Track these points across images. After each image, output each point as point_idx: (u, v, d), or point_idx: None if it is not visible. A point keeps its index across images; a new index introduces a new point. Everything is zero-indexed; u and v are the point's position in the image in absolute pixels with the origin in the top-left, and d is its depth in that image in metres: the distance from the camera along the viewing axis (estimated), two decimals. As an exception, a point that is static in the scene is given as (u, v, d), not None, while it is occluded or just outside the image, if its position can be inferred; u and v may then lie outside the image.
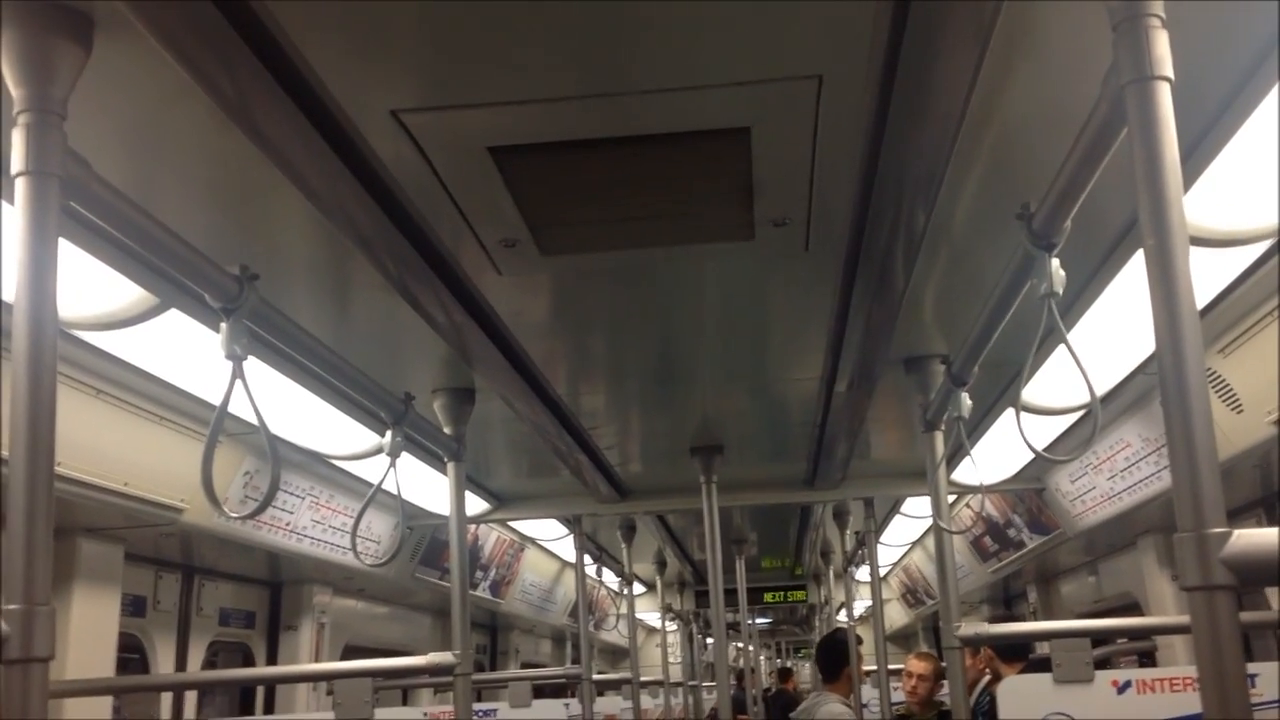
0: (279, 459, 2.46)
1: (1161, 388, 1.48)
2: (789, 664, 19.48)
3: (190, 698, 5.45)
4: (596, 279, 3.14)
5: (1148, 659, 6.36)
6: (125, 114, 2.12)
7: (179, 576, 5.41)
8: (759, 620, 16.51)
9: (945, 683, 5.22)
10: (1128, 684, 3.33)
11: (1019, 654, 5.68)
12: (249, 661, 6.22)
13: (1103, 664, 6.11)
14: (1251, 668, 3.60)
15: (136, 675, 4.99)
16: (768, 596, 13.04)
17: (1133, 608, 6.53)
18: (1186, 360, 1.46)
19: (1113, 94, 1.64)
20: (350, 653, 7.05)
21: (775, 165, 2.38)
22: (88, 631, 4.26)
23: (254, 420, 2.38)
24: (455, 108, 2.11)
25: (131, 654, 5.09)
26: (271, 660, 6.29)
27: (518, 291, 3.14)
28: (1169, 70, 1.55)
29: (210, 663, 5.79)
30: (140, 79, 1.98)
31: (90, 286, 2.69)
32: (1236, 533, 1.42)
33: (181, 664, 5.41)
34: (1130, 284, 2.97)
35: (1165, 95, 1.54)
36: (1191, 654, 4.98)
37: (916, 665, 6.83)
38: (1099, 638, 5.29)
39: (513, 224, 2.60)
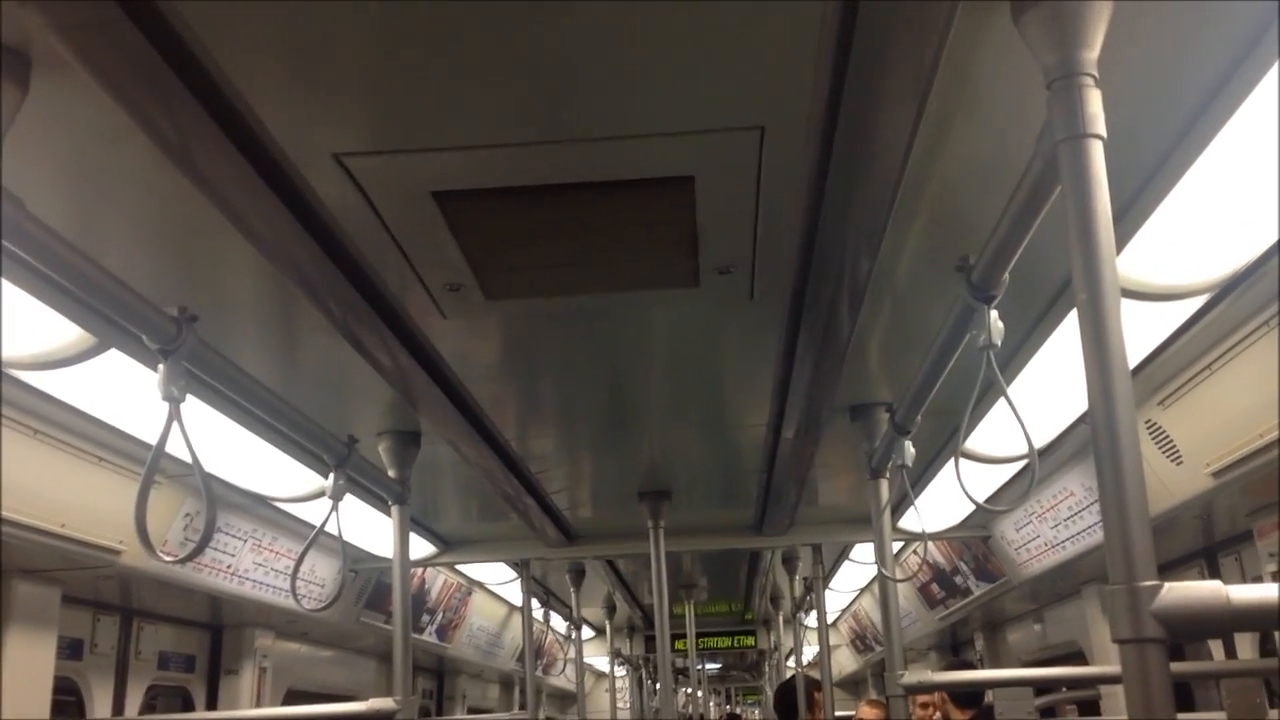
0: (214, 501, 2.43)
1: (1094, 441, 1.49)
2: (738, 710, 19.39)
3: (126, 743, 5.34)
4: (542, 323, 3.13)
5: (1091, 708, 6.38)
6: (64, 153, 2.10)
7: (118, 619, 5.31)
8: (709, 665, 16.44)
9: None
10: (1069, 733, 3.34)
11: (972, 701, 5.69)
12: (188, 706, 6.10)
13: (1048, 712, 6.14)
14: (1191, 718, 3.62)
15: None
16: (717, 642, 12.99)
17: (1078, 656, 6.56)
18: (1118, 414, 1.48)
19: (1047, 151, 1.67)
20: (293, 697, 6.95)
21: (719, 214, 2.40)
22: (22, 674, 4.17)
23: (191, 461, 2.36)
24: (398, 152, 2.11)
25: (68, 696, 4.99)
26: (211, 705, 6.18)
27: (463, 335, 3.14)
28: (1101, 128, 1.57)
29: (149, 707, 5.68)
30: (79, 119, 1.97)
31: (29, 325, 2.66)
32: (1167, 586, 1.43)
33: (119, 708, 5.31)
34: (1070, 335, 3.00)
35: (1098, 153, 1.57)
36: (1133, 704, 4.98)
37: (868, 713, 6.83)
38: (1042, 686, 5.30)
39: (457, 268, 2.60)
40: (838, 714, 7.52)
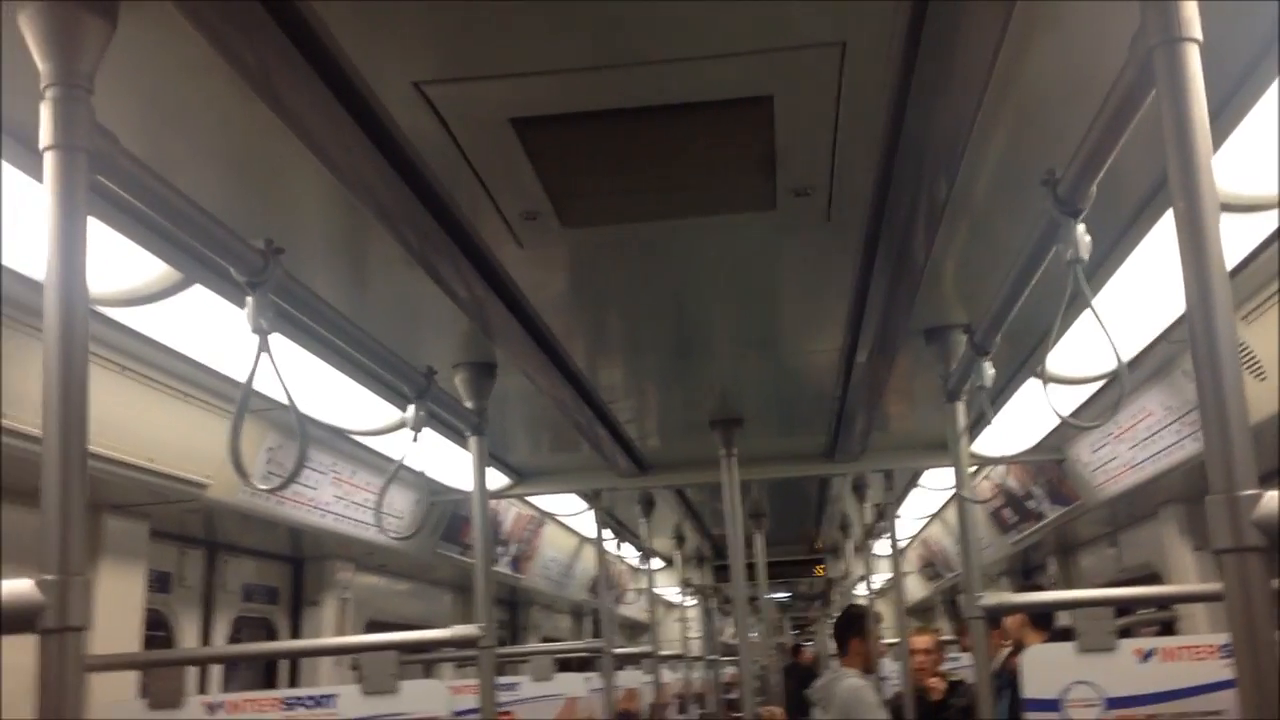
0: (306, 433, 2.47)
1: (1192, 348, 1.48)
2: (803, 639, 19.52)
3: (215, 672, 5.48)
4: (617, 251, 3.14)
5: (1167, 631, 6.35)
6: (149, 88, 2.12)
7: (203, 553, 5.43)
8: (778, 595, 16.52)
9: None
10: (1151, 653, 3.32)
11: (1045, 624, 5.70)
12: (272, 637, 6.23)
13: (1124, 634, 6.13)
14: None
15: (163, 650, 5.02)
16: (786, 571, 13.02)
17: (1153, 579, 6.51)
18: (1217, 321, 1.46)
19: (1140, 56, 1.63)
20: (372, 628, 7.08)
21: (798, 134, 2.38)
22: (114, 607, 4.28)
23: (278, 395, 2.39)
24: (477, 79, 2.11)
25: (157, 630, 5.12)
26: (295, 635, 6.32)
27: (539, 265, 3.15)
28: (1197, 31, 1.54)
29: (235, 638, 5.81)
30: (164, 52, 1.98)
31: (115, 263, 2.70)
32: (1269, 494, 1.42)
33: (206, 640, 5.44)
34: (1154, 249, 2.95)
35: (1194, 56, 1.53)
36: (1213, 624, 4.95)
37: (920, 641, 6.88)
38: (1122, 607, 5.29)
39: (534, 196, 2.61)
40: (892, 641, 7.62)
